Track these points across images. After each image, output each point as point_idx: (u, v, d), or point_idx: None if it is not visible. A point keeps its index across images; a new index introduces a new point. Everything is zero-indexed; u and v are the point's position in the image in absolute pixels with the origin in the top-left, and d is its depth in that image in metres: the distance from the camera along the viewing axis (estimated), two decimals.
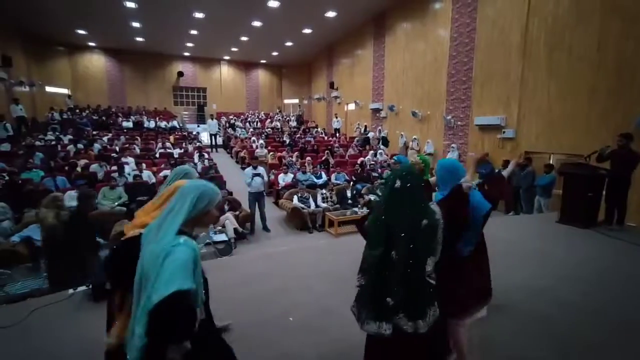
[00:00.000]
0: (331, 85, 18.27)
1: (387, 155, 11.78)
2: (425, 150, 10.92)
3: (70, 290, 3.12)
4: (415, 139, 11.71)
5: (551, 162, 7.26)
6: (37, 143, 10.66)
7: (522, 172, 7.32)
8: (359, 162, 10.53)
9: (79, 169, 8.11)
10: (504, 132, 8.49)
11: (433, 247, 1.49)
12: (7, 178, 6.58)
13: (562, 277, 3.48)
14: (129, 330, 1.18)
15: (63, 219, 3.58)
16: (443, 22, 10.47)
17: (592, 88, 6.58)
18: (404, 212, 1.46)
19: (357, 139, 14.72)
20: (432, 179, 2.46)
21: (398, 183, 1.50)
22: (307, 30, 15.37)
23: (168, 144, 12.50)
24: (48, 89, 16.54)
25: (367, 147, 13.59)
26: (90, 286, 3.01)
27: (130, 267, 1.28)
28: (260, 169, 6.89)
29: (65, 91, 17.25)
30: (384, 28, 13.53)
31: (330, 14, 13.22)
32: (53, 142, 11.14)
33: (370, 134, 13.96)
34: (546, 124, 7.56)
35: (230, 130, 16.91)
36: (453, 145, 10.14)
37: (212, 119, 15.83)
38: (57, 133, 12.36)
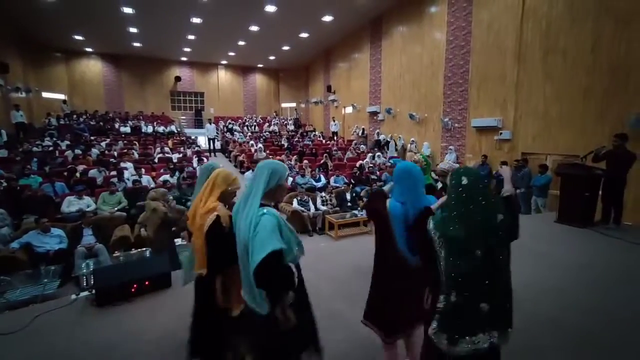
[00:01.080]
0: (328, 89, 18.35)
1: (386, 158, 11.83)
2: (423, 153, 10.97)
3: (73, 296, 3.13)
4: (413, 141, 11.78)
5: (548, 163, 7.33)
6: (35, 149, 10.62)
7: (519, 173, 7.39)
8: (357, 165, 10.58)
9: (77, 174, 8.10)
10: (500, 133, 8.57)
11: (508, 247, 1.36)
12: (5, 184, 6.56)
13: (563, 276, 3.51)
14: (244, 290, 1.49)
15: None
16: (439, 26, 10.59)
17: (587, 89, 6.67)
18: (477, 210, 1.34)
19: (355, 142, 14.75)
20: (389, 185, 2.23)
21: (465, 180, 1.37)
22: (304, 35, 15.47)
23: (166, 149, 12.47)
24: (45, 94, 16.50)
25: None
26: (94, 291, 3.02)
27: (220, 250, 1.70)
28: None
29: (62, 97, 17.22)
30: (380, 32, 13.64)
31: (327, 18, 13.32)
32: (50, 148, 11.10)
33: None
34: (542, 126, 7.65)
35: (228, 135, 16.93)
36: (450, 147, 10.22)
37: (210, 123, 15.85)
38: (55, 139, 12.31)
